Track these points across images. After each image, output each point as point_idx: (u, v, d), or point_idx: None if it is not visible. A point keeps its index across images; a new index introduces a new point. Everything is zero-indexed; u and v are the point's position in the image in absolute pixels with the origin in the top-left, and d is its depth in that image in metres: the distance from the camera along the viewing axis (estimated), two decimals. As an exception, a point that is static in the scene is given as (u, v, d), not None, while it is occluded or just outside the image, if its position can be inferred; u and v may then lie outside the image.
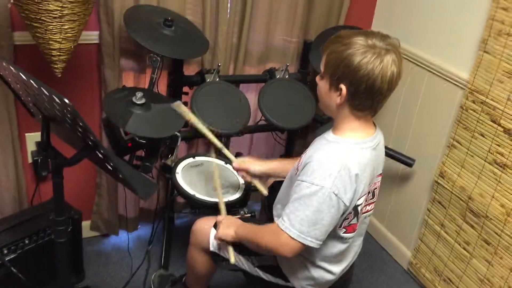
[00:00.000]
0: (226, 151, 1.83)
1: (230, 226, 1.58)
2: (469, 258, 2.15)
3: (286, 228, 1.35)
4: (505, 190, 1.96)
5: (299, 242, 1.34)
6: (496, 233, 2.00)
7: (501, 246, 1.99)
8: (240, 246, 1.61)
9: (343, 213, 1.37)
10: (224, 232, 1.58)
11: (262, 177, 1.84)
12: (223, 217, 1.65)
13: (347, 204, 1.35)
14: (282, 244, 1.37)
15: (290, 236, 1.34)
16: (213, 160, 2.02)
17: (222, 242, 1.63)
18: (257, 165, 1.78)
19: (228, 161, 2.05)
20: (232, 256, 1.59)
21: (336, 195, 1.31)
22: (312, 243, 1.35)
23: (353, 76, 1.29)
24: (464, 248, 2.17)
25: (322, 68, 1.39)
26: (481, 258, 2.09)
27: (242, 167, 1.79)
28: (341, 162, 1.32)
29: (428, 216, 2.35)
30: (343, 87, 1.32)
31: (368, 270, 2.52)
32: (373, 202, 1.55)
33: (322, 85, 1.40)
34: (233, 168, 1.84)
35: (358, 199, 1.39)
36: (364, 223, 1.57)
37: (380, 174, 1.53)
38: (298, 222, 1.33)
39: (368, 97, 1.33)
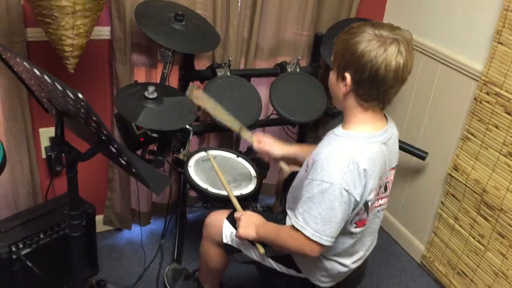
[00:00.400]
0: (245, 133, 1.83)
1: (250, 226, 1.57)
2: (483, 251, 2.13)
3: (301, 227, 1.36)
4: (520, 183, 1.94)
5: (315, 242, 1.35)
6: (511, 226, 1.99)
7: (516, 239, 1.98)
8: (251, 241, 1.61)
9: (354, 209, 1.37)
10: (245, 232, 1.57)
11: (284, 160, 1.84)
12: (241, 213, 1.63)
13: (358, 199, 1.34)
14: (303, 245, 1.38)
15: (306, 236, 1.35)
16: (215, 153, 2.02)
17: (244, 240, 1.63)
18: (277, 148, 1.78)
19: (239, 154, 2.05)
20: (260, 248, 1.58)
21: (347, 191, 1.31)
22: (328, 242, 1.35)
23: (357, 63, 1.30)
24: (478, 241, 2.15)
25: (332, 58, 1.40)
26: (495, 251, 2.08)
27: (262, 150, 1.79)
28: (349, 157, 1.32)
29: (442, 209, 2.34)
30: (347, 75, 1.33)
31: (381, 264, 2.51)
32: (386, 196, 1.54)
33: (331, 76, 1.42)
34: (254, 148, 1.82)
35: (369, 195, 1.38)
36: (377, 217, 1.57)
37: (393, 168, 1.52)
38: (312, 220, 1.34)
39: (373, 87, 1.32)
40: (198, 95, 1.84)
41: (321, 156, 1.35)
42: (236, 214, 1.64)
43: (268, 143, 1.80)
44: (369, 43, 1.27)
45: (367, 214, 1.44)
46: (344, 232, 1.44)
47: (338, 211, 1.32)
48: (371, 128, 1.40)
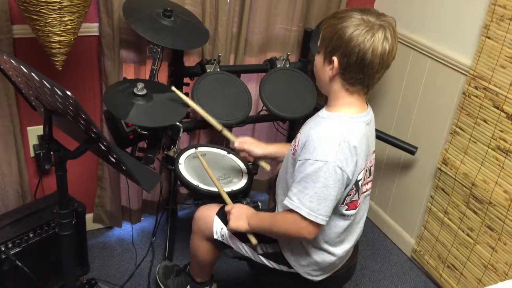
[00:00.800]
0: (226, 132, 1.84)
1: (241, 217, 1.58)
2: (473, 244, 2.15)
3: (296, 207, 1.37)
4: (508, 176, 1.95)
5: (311, 221, 1.36)
6: (500, 219, 2.00)
7: (505, 232, 1.99)
8: (242, 234, 1.61)
9: (346, 187, 1.40)
10: (236, 224, 1.58)
11: (265, 159, 1.85)
12: (231, 206, 1.64)
13: (350, 176, 1.37)
14: (300, 227, 1.39)
15: (301, 215, 1.36)
16: (205, 149, 2.02)
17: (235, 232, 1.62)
18: (258, 148, 1.79)
19: (230, 150, 2.05)
20: (252, 239, 1.58)
21: (340, 168, 1.34)
22: (323, 220, 1.37)
23: (345, 48, 1.33)
24: (468, 235, 2.17)
25: (318, 44, 1.42)
26: (485, 244, 2.10)
27: (243, 148, 1.80)
28: (340, 135, 1.35)
29: (432, 203, 2.35)
30: (335, 59, 1.36)
31: (371, 258, 2.52)
32: (370, 181, 1.57)
33: (318, 59, 1.44)
34: (235, 147, 1.83)
35: (359, 174, 1.42)
36: (364, 204, 1.59)
37: (373, 151, 1.56)
38: (307, 200, 1.35)
39: (359, 71, 1.35)
40: (181, 95, 1.85)
41: (312, 137, 1.37)
42: (226, 208, 1.65)
43: (249, 143, 1.80)
44: (357, 28, 1.31)
45: (358, 195, 1.47)
46: (336, 214, 1.46)
47: (332, 189, 1.34)
48: (355, 110, 1.44)
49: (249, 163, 1.94)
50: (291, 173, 1.47)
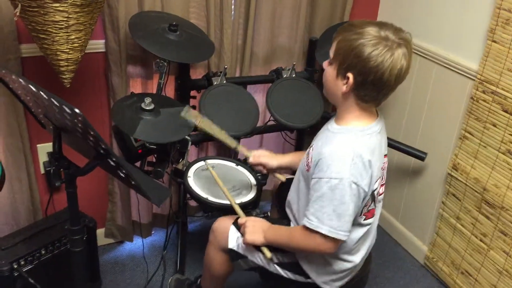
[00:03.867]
0: (241, 148, 1.84)
1: (257, 231, 1.57)
2: (486, 250, 2.13)
3: (316, 227, 1.36)
4: (520, 180, 1.94)
5: (332, 238, 1.36)
6: (513, 224, 1.99)
7: (519, 236, 1.97)
8: (258, 247, 1.61)
9: (363, 200, 1.39)
10: (253, 238, 1.57)
11: (281, 170, 1.85)
12: (245, 219, 1.63)
13: (366, 190, 1.37)
14: (319, 244, 1.39)
15: (323, 234, 1.36)
16: (214, 162, 2.02)
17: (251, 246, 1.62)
18: (273, 160, 1.79)
19: (239, 162, 2.05)
20: (267, 252, 1.58)
21: (355, 183, 1.33)
22: (344, 236, 1.37)
23: (363, 67, 1.30)
24: (481, 240, 2.15)
25: (331, 54, 1.40)
26: (498, 249, 2.07)
27: (258, 162, 1.80)
28: (352, 150, 1.34)
29: (443, 209, 2.33)
30: (350, 75, 1.34)
31: (384, 266, 2.50)
32: (383, 184, 1.56)
33: (330, 71, 1.41)
34: (250, 163, 1.83)
35: (374, 184, 1.41)
36: (377, 208, 1.58)
37: (385, 155, 1.54)
38: (326, 218, 1.35)
39: (375, 89, 1.34)
40: (193, 114, 1.85)
41: (324, 155, 1.36)
42: (240, 220, 1.64)
43: (263, 156, 1.80)
44: (376, 47, 1.28)
45: (374, 204, 1.47)
46: (355, 225, 1.45)
47: (349, 205, 1.34)
48: (365, 122, 1.42)
49: (258, 175, 1.94)
50: (304, 186, 1.47)
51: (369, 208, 1.46)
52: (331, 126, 1.45)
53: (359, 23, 1.33)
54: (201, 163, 2.00)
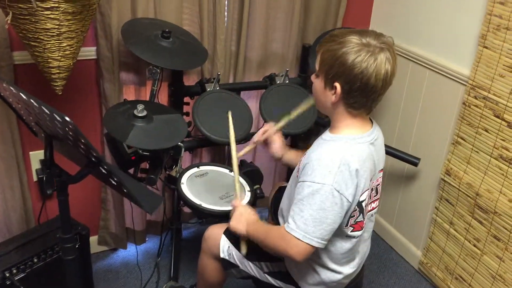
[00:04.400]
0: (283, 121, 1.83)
1: (242, 222, 1.57)
2: (480, 255, 2.13)
3: (291, 230, 1.35)
4: (512, 185, 1.95)
5: (305, 243, 1.34)
6: (506, 229, 1.99)
7: (512, 241, 1.98)
8: (250, 253, 1.60)
9: (347, 211, 1.37)
10: (236, 227, 1.57)
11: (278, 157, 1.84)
12: (238, 203, 1.63)
13: (350, 200, 1.35)
14: (291, 247, 1.37)
15: (296, 237, 1.34)
16: (207, 168, 2.03)
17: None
18: (280, 151, 1.78)
19: (231, 168, 2.04)
20: (243, 248, 1.58)
21: (338, 191, 1.31)
22: (318, 243, 1.35)
23: (348, 74, 1.31)
24: (475, 245, 2.15)
25: (317, 67, 1.41)
26: (492, 254, 2.08)
27: (269, 139, 1.79)
28: (340, 158, 1.33)
29: (437, 214, 2.34)
30: (337, 85, 1.34)
31: (379, 272, 2.50)
32: (377, 199, 1.55)
33: (317, 83, 1.42)
34: (264, 132, 1.80)
35: (361, 195, 1.39)
36: (370, 221, 1.57)
37: (381, 169, 1.53)
38: (302, 222, 1.33)
39: (363, 95, 1.34)
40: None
41: (311, 159, 1.36)
42: (233, 202, 1.65)
43: (277, 140, 1.79)
44: (358, 54, 1.29)
45: (363, 216, 1.45)
46: (341, 236, 1.44)
47: (329, 212, 1.32)
48: (358, 130, 1.42)
49: (256, 187, 1.92)
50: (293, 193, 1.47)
51: (357, 220, 1.44)
52: (325, 135, 1.45)
53: (340, 33, 1.35)
54: (195, 169, 2.00)
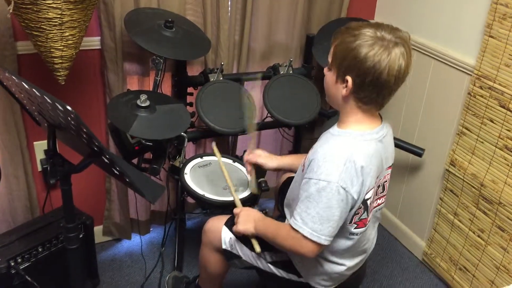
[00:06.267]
0: (252, 140, 1.87)
1: (249, 221, 1.57)
2: (484, 245, 2.13)
3: (299, 227, 1.35)
4: (517, 175, 1.94)
5: (314, 241, 1.34)
6: (510, 219, 1.98)
7: (516, 232, 1.97)
8: (248, 240, 1.61)
9: (352, 208, 1.36)
10: (244, 227, 1.57)
11: (280, 171, 1.83)
12: (240, 209, 1.64)
13: (355, 197, 1.34)
14: (301, 245, 1.37)
15: (304, 236, 1.34)
16: (211, 159, 2.03)
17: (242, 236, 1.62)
18: (272, 161, 1.77)
19: (236, 159, 2.04)
20: (256, 246, 1.58)
21: (344, 188, 1.30)
22: (326, 241, 1.35)
23: (360, 68, 1.28)
24: (479, 236, 2.15)
25: (329, 59, 1.38)
26: (496, 245, 2.07)
27: (254, 161, 1.78)
28: (346, 154, 1.31)
29: (441, 205, 2.33)
30: (349, 78, 1.32)
31: (382, 262, 2.50)
32: (383, 196, 1.53)
33: (329, 76, 1.40)
34: (244, 159, 1.81)
35: (366, 193, 1.38)
36: (375, 217, 1.56)
37: (390, 166, 1.51)
38: (310, 220, 1.33)
39: (374, 90, 1.32)
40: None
41: (317, 155, 1.34)
42: (235, 210, 1.64)
43: (262, 156, 1.78)
44: (372, 47, 1.26)
45: (367, 213, 1.44)
46: (345, 232, 1.44)
47: (335, 209, 1.32)
48: (367, 127, 1.40)
49: (261, 180, 1.93)
50: (298, 189, 1.46)
51: (361, 217, 1.43)
52: (333, 129, 1.43)
53: (355, 26, 1.32)
54: (198, 159, 2.00)
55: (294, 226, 1.36)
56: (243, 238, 1.63)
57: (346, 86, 1.33)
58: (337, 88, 1.37)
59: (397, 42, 1.28)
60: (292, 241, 1.40)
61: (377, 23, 1.32)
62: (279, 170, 1.83)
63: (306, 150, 1.56)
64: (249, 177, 1.86)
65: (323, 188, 1.30)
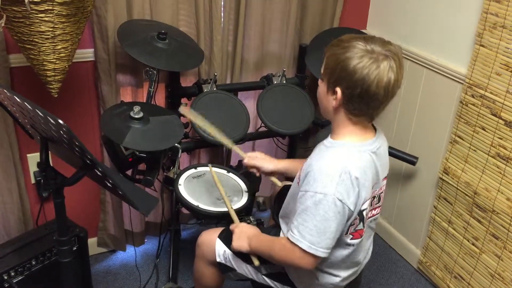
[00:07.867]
0: (236, 149, 1.84)
1: (243, 238, 1.56)
2: (478, 253, 2.13)
3: (297, 240, 1.35)
4: (510, 183, 1.94)
5: (311, 254, 1.34)
6: (504, 227, 1.99)
7: (510, 239, 1.97)
8: (245, 255, 1.60)
9: (349, 219, 1.36)
10: (238, 244, 1.56)
11: (274, 174, 1.83)
12: (235, 225, 1.63)
13: (352, 208, 1.33)
14: (299, 258, 1.37)
15: (302, 249, 1.34)
16: (205, 169, 2.02)
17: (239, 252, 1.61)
18: (269, 163, 1.77)
19: (230, 169, 2.04)
20: (255, 259, 1.57)
21: (340, 200, 1.30)
22: (324, 253, 1.34)
23: (349, 80, 1.29)
24: (473, 244, 2.15)
25: (322, 70, 1.39)
26: (490, 253, 2.07)
27: (252, 164, 1.78)
28: (341, 166, 1.31)
29: (435, 213, 2.34)
30: (338, 90, 1.32)
31: (378, 271, 2.50)
32: (379, 206, 1.53)
33: (321, 87, 1.40)
34: (244, 164, 1.81)
35: (363, 204, 1.38)
36: (370, 228, 1.56)
37: (385, 177, 1.51)
38: (307, 233, 1.33)
39: (363, 102, 1.32)
40: (187, 112, 1.86)
41: (313, 168, 1.34)
42: (231, 226, 1.64)
43: (259, 159, 1.79)
44: (361, 60, 1.26)
45: (363, 224, 1.44)
46: (341, 243, 1.43)
47: (332, 222, 1.31)
48: (359, 138, 1.40)
49: (251, 179, 1.93)
50: (294, 201, 1.46)
51: (357, 228, 1.43)
52: (326, 141, 1.43)
53: (347, 38, 1.32)
54: (192, 170, 2.00)
55: (292, 240, 1.36)
56: (240, 253, 1.62)
57: (336, 98, 1.34)
58: (328, 99, 1.38)
59: (387, 55, 1.28)
60: (289, 255, 1.39)
61: (370, 36, 1.33)
62: (275, 173, 1.82)
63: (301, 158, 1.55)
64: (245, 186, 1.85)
65: (319, 201, 1.30)
